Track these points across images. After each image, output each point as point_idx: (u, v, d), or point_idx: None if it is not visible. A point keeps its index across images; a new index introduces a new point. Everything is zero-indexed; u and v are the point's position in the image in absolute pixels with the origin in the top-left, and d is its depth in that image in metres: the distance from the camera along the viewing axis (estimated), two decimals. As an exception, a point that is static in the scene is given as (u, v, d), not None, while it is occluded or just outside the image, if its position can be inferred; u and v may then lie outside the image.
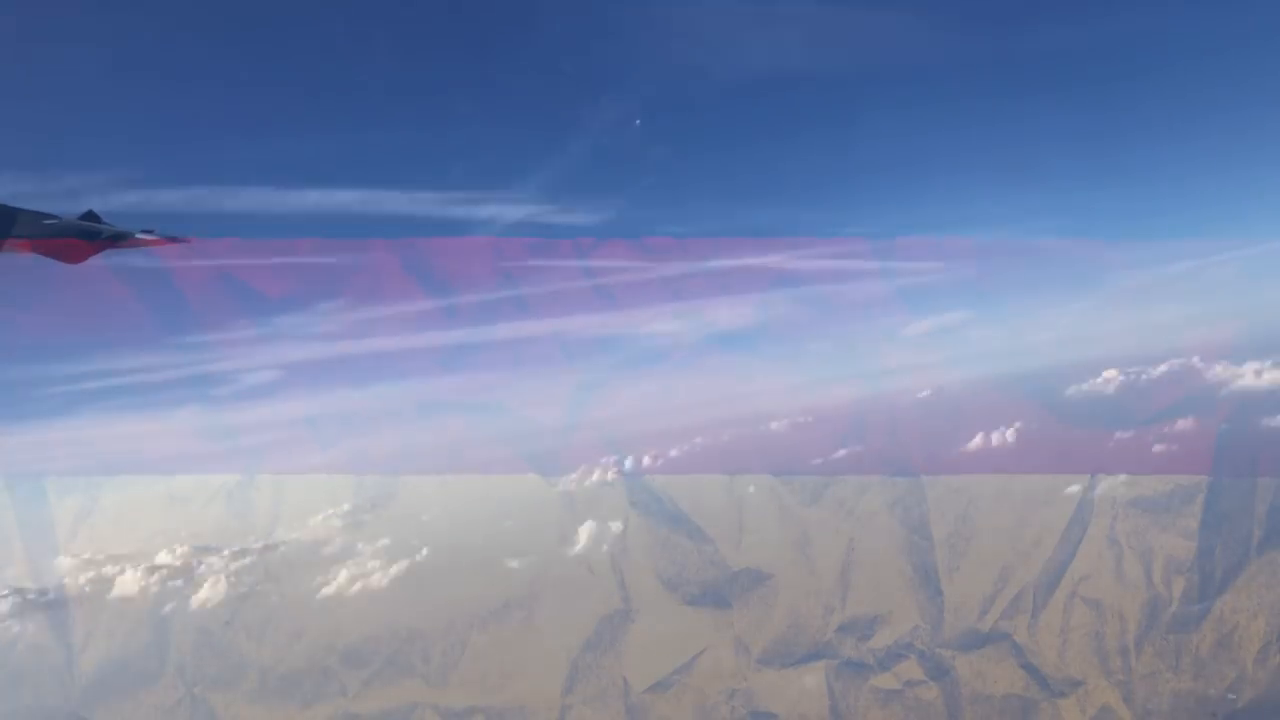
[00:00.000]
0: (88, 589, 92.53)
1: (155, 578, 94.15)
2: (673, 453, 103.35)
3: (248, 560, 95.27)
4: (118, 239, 15.33)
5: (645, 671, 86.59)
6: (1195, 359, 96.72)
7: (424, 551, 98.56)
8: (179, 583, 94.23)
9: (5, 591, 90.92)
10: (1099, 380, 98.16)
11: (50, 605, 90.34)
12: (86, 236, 14.90)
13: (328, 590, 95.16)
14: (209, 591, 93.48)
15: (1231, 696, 73.72)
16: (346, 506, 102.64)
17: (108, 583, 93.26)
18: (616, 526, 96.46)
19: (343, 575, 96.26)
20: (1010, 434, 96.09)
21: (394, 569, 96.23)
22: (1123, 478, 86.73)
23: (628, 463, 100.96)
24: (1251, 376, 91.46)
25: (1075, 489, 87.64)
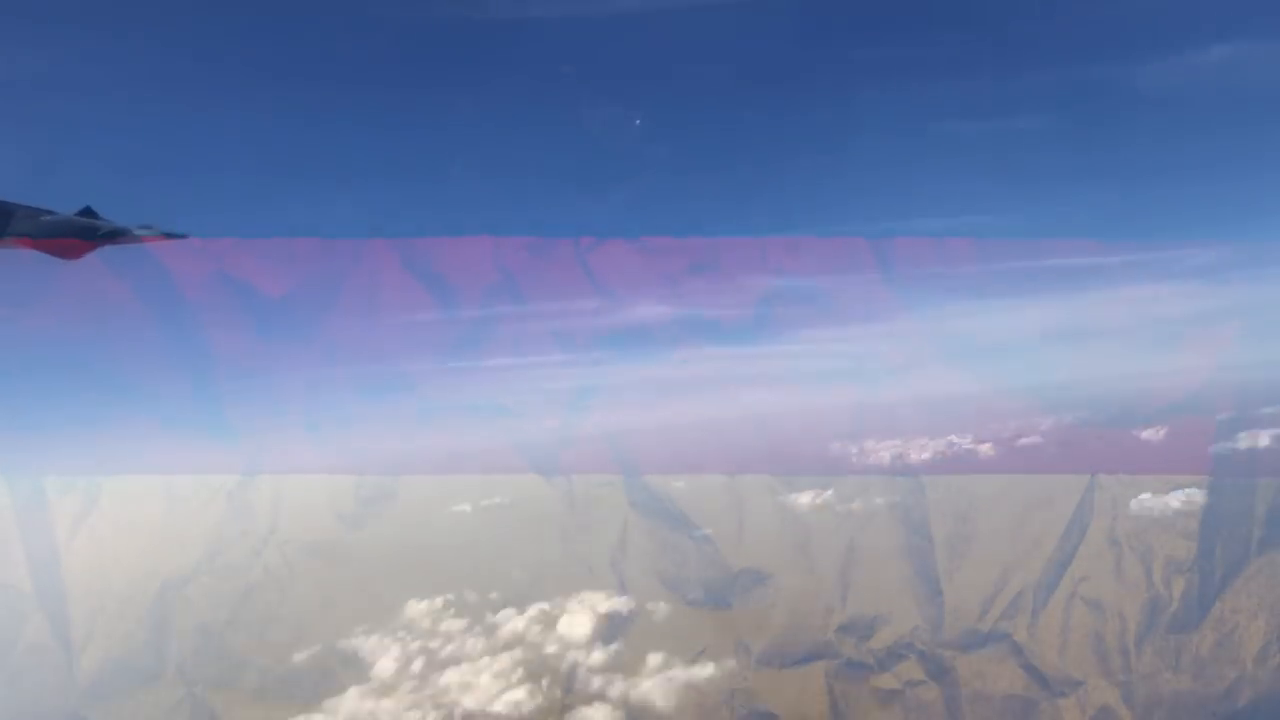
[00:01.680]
0: (88, 589, 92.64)
1: (155, 578, 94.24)
2: (673, 453, 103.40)
3: (248, 560, 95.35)
4: (115, 235, 15.30)
5: (646, 671, 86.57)
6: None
7: (424, 551, 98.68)
8: (179, 582, 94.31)
9: (5, 591, 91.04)
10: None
11: (50, 605, 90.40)
12: (84, 233, 14.87)
13: (328, 590, 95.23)
14: (209, 590, 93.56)
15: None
16: (347, 507, 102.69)
17: (109, 582, 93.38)
18: (616, 527, 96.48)
19: (343, 575, 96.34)
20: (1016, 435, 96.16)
21: (394, 569, 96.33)
22: (1123, 477, 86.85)
23: (627, 463, 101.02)
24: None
25: (1075, 489, 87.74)
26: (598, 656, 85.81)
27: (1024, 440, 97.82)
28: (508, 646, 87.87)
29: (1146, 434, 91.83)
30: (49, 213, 14.99)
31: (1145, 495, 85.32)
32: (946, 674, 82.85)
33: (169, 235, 15.97)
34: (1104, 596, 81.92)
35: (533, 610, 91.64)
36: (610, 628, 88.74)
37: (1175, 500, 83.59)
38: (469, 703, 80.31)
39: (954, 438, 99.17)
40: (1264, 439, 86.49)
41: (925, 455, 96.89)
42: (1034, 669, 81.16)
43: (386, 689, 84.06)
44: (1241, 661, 75.43)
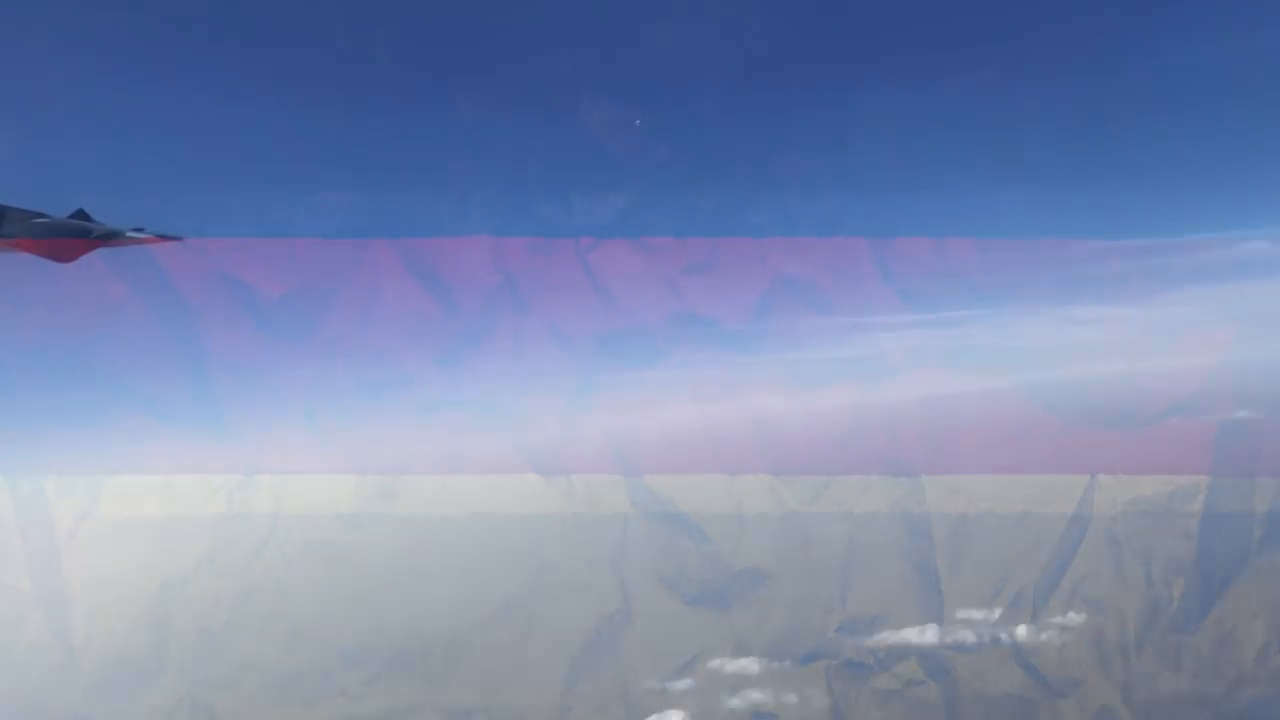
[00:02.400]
0: (89, 588, 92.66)
1: (156, 577, 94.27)
2: (673, 453, 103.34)
3: (247, 560, 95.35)
4: (108, 237, 15.31)
5: (645, 671, 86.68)
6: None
7: (424, 551, 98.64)
8: (180, 583, 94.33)
9: (5, 591, 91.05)
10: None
11: (50, 605, 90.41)
12: (77, 235, 14.87)
13: (329, 590, 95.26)
14: (209, 591, 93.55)
15: None
16: (347, 507, 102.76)
17: (110, 582, 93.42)
18: (617, 526, 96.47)
19: (343, 575, 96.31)
20: (1011, 435, 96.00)
21: (394, 569, 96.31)
22: (1123, 477, 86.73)
23: (628, 462, 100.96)
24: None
25: (1075, 489, 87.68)
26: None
27: (1027, 439, 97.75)
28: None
29: (1146, 434, 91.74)
30: (41, 215, 14.97)
31: (1145, 495, 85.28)
32: (946, 674, 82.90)
33: (162, 237, 16.00)
34: (1104, 596, 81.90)
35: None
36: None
37: (1175, 500, 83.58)
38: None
39: (953, 440, 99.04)
40: (1264, 438, 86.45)
41: (924, 456, 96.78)
42: (1034, 669, 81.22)
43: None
44: (1241, 661, 75.46)
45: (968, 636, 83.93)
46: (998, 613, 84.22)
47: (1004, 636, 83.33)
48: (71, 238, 14.81)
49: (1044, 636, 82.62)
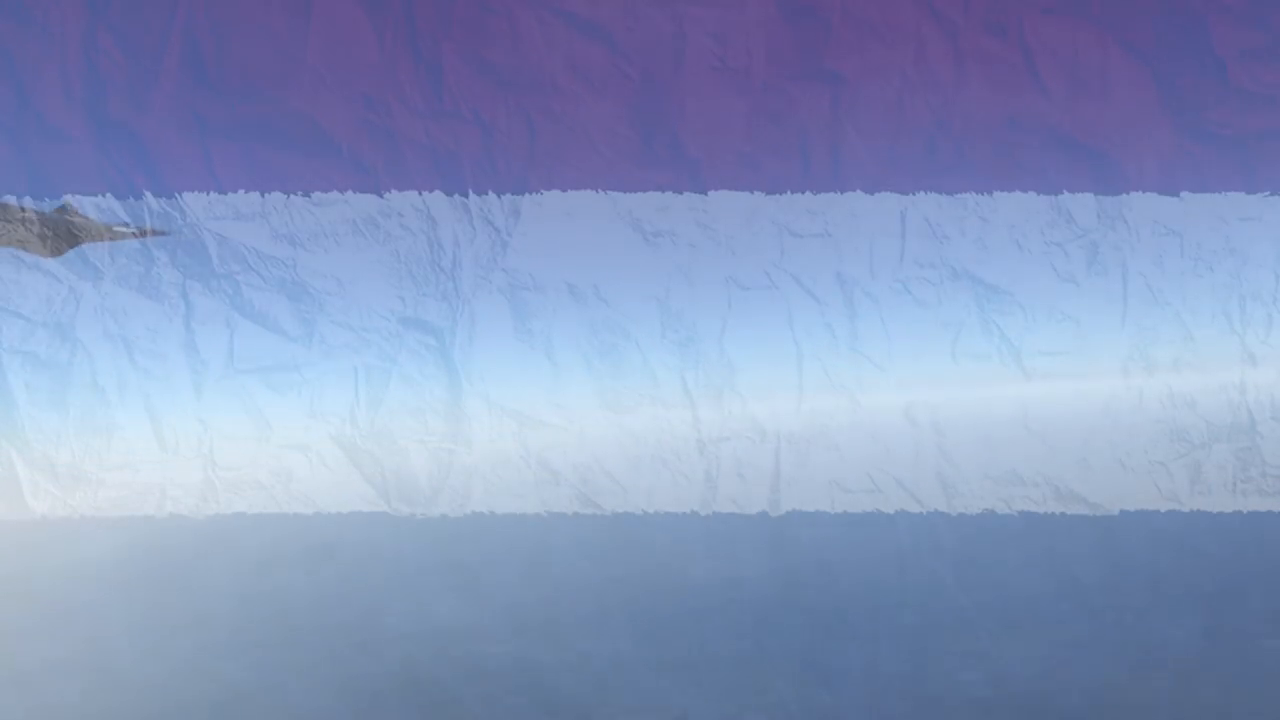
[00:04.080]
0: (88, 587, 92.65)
1: (155, 576, 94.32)
2: (671, 452, 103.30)
3: (245, 560, 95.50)
4: (92, 233, 15.07)
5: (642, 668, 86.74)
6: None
7: (425, 551, 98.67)
8: (180, 583, 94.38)
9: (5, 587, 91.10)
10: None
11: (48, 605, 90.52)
12: (61, 231, 14.62)
13: (328, 590, 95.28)
14: (209, 590, 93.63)
15: None
16: (348, 506, 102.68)
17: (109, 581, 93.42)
18: (618, 527, 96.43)
19: (343, 575, 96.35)
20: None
21: (394, 569, 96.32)
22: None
23: (629, 460, 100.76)
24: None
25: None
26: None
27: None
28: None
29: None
30: (24, 210, 14.70)
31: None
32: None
33: (144, 232, 15.76)
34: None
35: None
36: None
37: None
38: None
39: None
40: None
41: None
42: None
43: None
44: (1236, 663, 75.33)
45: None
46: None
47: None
48: (55, 233, 14.54)
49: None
